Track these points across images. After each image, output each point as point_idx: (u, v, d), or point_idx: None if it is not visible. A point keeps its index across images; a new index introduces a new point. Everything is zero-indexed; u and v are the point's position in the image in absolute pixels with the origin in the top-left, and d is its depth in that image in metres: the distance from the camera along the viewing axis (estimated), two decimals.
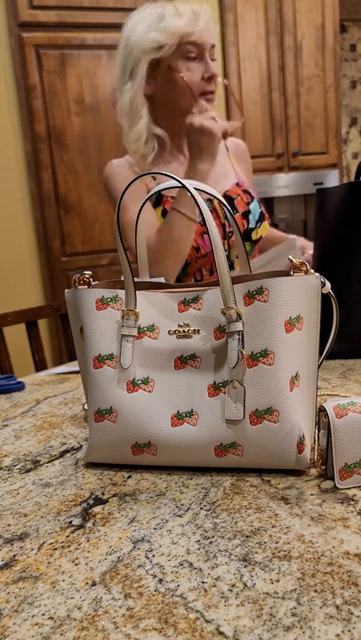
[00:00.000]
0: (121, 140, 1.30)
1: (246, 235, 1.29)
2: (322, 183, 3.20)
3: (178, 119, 1.24)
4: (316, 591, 0.38)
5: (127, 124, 1.24)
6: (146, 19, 1.17)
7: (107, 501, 0.53)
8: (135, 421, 0.57)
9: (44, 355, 1.62)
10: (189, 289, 0.62)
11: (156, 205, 1.24)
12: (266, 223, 1.35)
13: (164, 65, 1.19)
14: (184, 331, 0.59)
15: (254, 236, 1.31)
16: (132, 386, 0.59)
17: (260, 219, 1.33)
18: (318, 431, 0.53)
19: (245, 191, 1.33)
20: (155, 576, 0.41)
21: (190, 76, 1.18)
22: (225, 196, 1.29)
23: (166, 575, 0.41)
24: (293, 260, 0.56)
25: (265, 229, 1.34)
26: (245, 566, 0.41)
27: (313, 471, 0.55)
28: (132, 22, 1.20)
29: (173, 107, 1.23)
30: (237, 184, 1.34)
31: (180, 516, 0.49)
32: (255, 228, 1.31)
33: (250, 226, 1.30)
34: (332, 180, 3.23)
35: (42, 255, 2.65)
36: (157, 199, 1.24)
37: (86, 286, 0.63)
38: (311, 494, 0.50)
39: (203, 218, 0.64)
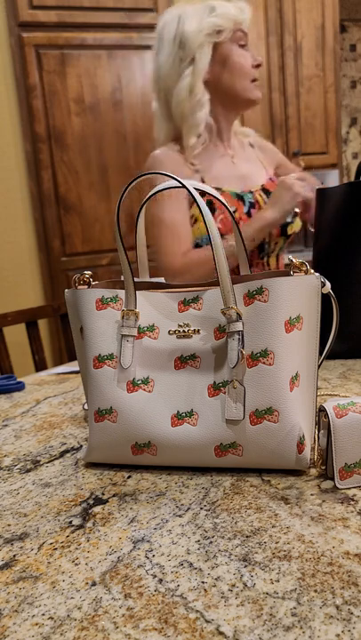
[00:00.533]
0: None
1: (282, 229, 1.30)
2: (322, 183, 3.20)
3: (227, 104, 1.28)
4: (316, 591, 0.38)
5: (179, 110, 1.24)
6: (195, 11, 1.21)
7: (107, 501, 0.53)
8: (135, 421, 0.57)
9: (44, 355, 1.62)
10: (189, 289, 0.62)
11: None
12: (298, 219, 1.36)
13: (221, 50, 1.22)
14: (184, 331, 0.59)
15: (289, 231, 1.32)
16: (132, 386, 0.59)
17: (294, 214, 1.34)
18: (318, 431, 0.53)
19: None
20: (155, 576, 0.41)
21: (244, 61, 1.24)
22: (263, 189, 1.32)
23: (166, 575, 0.41)
24: (293, 260, 0.56)
25: (298, 225, 1.35)
26: (245, 566, 0.41)
27: (313, 471, 0.55)
28: (174, 16, 1.22)
29: (225, 91, 1.25)
30: (270, 179, 1.37)
31: (180, 516, 0.49)
32: (290, 222, 1.32)
33: (286, 220, 1.31)
34: (333, 179, 3.22)
35: (42, 255, 2.65)
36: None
37: (86, 286, 0.63)
38: (311, 494, 0.50)
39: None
